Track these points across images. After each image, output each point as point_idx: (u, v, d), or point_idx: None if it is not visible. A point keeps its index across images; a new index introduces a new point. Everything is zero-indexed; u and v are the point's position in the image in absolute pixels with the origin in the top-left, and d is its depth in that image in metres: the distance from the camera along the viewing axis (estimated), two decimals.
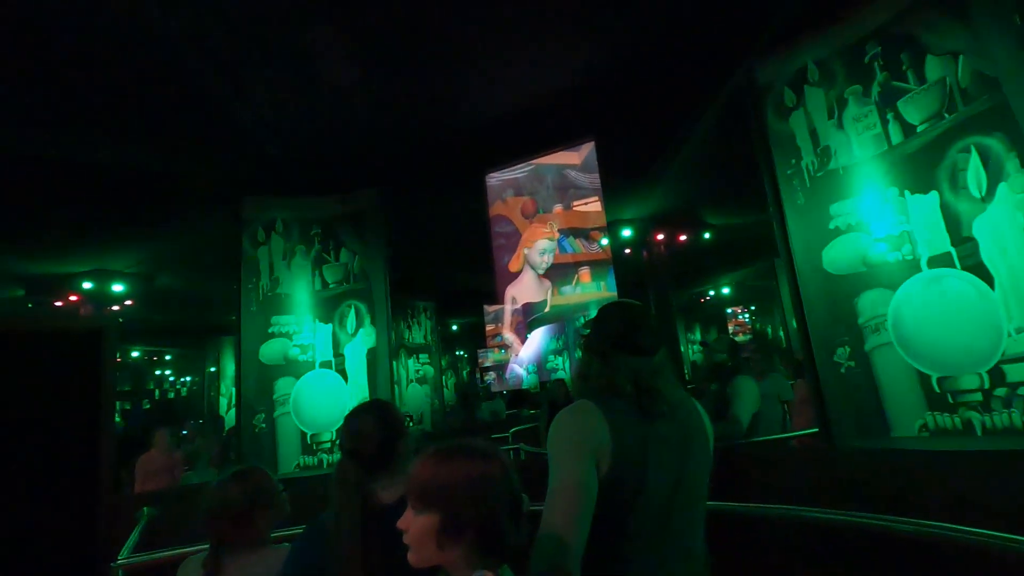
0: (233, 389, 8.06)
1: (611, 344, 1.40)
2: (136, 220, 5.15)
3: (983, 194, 2.22)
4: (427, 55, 3.17)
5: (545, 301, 3.93)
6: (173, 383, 14.78)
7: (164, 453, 5.00)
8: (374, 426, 1.43)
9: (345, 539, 1.29)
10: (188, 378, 14.57)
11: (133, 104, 3.34)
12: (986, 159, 2.21)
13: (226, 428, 7.51)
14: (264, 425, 3.96)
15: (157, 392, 13.88)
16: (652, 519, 1.24)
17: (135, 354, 12.61)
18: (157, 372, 14.67)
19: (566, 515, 1.14)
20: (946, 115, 2.35)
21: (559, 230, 3.99)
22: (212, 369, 10.46)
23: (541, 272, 3.97)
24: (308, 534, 1.44)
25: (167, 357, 14.02)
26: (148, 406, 12.65)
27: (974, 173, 2.24)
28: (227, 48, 2.92)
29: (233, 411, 8.21)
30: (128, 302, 6.79)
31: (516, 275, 4.08)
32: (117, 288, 6.59)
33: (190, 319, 9.66)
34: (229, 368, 9.46)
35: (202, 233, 5.33)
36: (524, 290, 4.01)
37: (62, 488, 2.86)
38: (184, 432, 6.70)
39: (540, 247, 3.96)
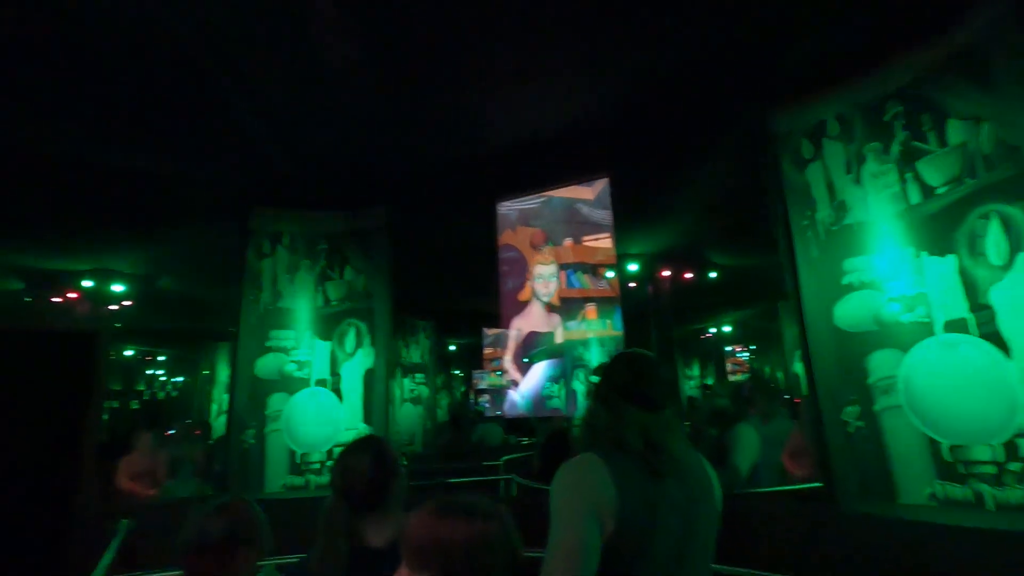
0: (224, 396, 7.97)
1: (620, 395, 1.37)
2: (142, 223, 5.13)
3: (1003, 262, 2.19)
4: (448, 79, 3.18)
5: (552, 334, 3.89)
6: (163, 383, 14.64)
7: (146, 456, 4.90)
8: (368, 465, 1.38)
9: None
10: (180, 379, 14.43)
11: (146, 108, 3.34)
12: (1007, 227, 2.18)
13: (214, 436, 7.40)
14: (254, 440, 3.87)
15: (147, 393, 13.72)
16: None
17: (128, 353, 12.50)
18: (148, 372, 14.54)
19: None
20: (967, 180, 2.34)
21: (568, 264, 3.97)
22: (205, 372, 10.35)
23: (546, 301, 3.93)
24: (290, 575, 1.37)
25: (160, 357, 13.91)
26: (136, 406, 12.50)
27: (994, 240, 2.22)
28: (243, 59, 2.93)
29: (222, 418, 8.11)
30: (127, 302, 6.74)
31: (523, 305, 4.04)
32: (117, 288, 6.55)
33: (188, 324, 9.60)
34: (222, 374, 9.36)
35: (207, 240, 5.30)
36: (530, 321, 3.97)
37: (37, 494, 2.77)
38: (171, 431, 6.56)
39: (537, 273, 3.94)
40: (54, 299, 6.58)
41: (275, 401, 3.97)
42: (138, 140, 3.73)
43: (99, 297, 6.54)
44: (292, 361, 4.05)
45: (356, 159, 4.11)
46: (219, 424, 8.56)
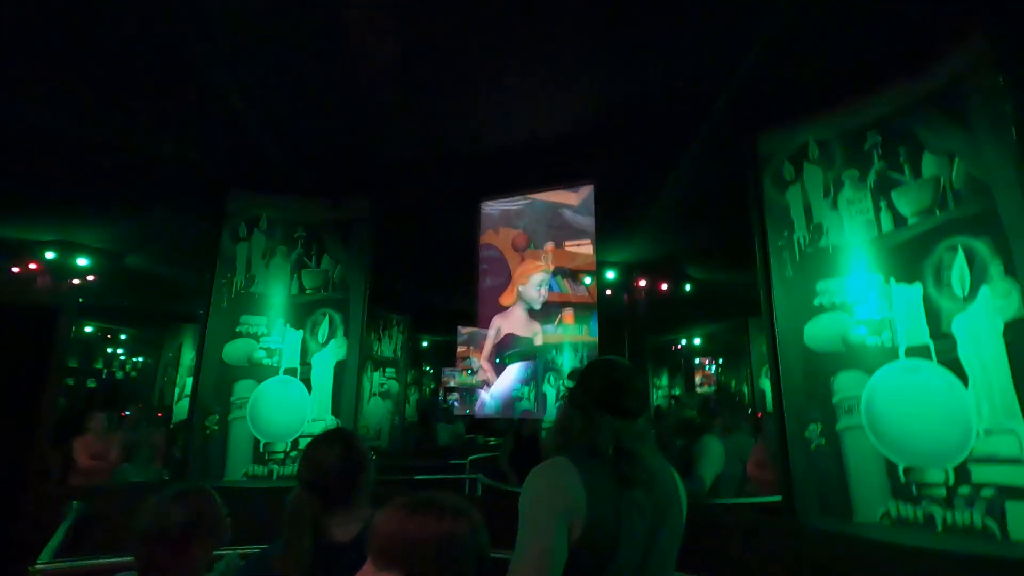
0: (188, 380, 7.76)
1: (595, 402, 1.38)
2: (112, 196, 4.95)
3: (965, 294, 2.28)
4: (440, 77, 3.17)
5: (531, 339, 3.89)
6: (123, 363, 14.18)
7: (99, 438, 4.76)
8: (337, 458, 1.36)
9: None
10: (140, 359, 14.00)
11: (123, 80, 3.23)
12: (971, 260, 2.27)
13: (174, 421, 7.20)
14: (217, 427, 3.78)
15: (105, 372, 13.27)
16: None
17: (88, 329, 12.07)
18: (109, 350, 14.06)
19: None
20: (937, 211, 2.43)
21: (549, 267, 3.98)
22: (169, 355, 10.07)
23: (537, 307, 3.93)
24: (251, 567, 1.34)
25: (122, 336, 13.46)
26: (93, 385, 12.08)
27: (958, 272, 2.30)
28: (230, 37, 2.86)
29: (184, 402, 7.90)
30: (90, 277, 6.50)
31: (503, 307, 4.04)
32: (81, 262, 6.31)
33: (154, 303, 9.31)
34: (187, 358, 9.10)
35: (181, 219, 5.15)
36: (512, 323, 3.96)
37: None
38: (127, 413, 6.36)
39: (536, 280, 3.94)
40: (13, 270, 6.31)
41: (241, 388, 3.87)
42: (113, 112, 3.60)
43: (62, 271, 6.30)
44: (262, 348, 3.96)
45: (341, 147, 4.05)
46: (180, 408, 8.33)
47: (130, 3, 2.61)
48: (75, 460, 4.61)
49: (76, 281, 6.41)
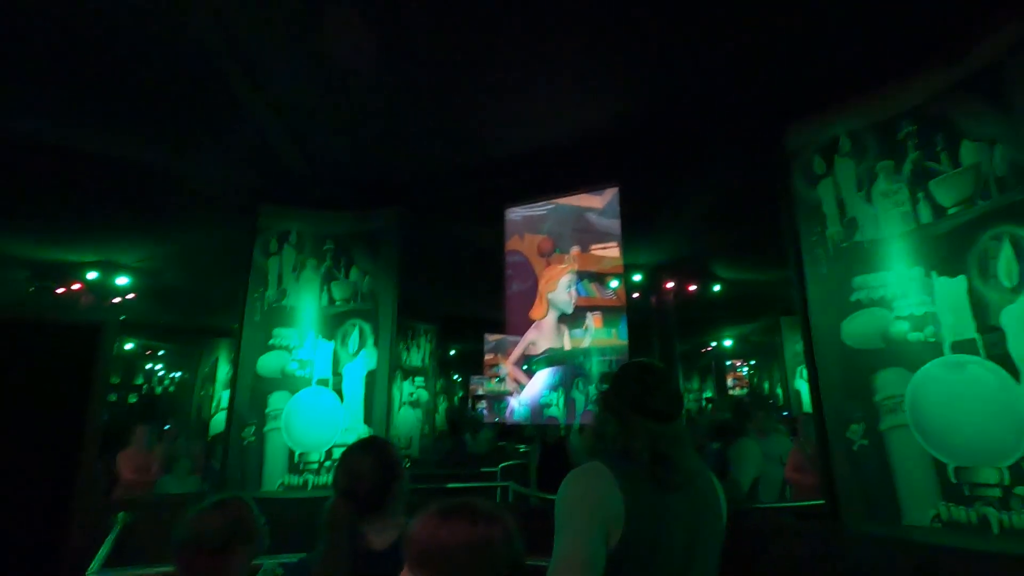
0: (224, 393, 7.94)
1: (629, 405, 1.36)
2: (148, 216, 5.14)
3: (1014, 284, 2.18)
4: (462, 86, 3.19)
5: (562, 348, 3.87)
6: (162, 378, 14.60)
7: (141, 451, 4.91)
8: (371, 466, 1.37)
9: None
10: (178, 374, 14.39)
11: (157, 102, 3.35)
12: (1019, 249, 2.17)
13: (211, 433, 7.38)
14: (253, 438, 3.85)
15: (146, 387, 13.69)
16: None
17: (129, 346, 12.48)
18: (148, 366, 14.51)
19: None
20: (979, 201, 2.33)
21: (576, 271, 3.95)
22: (206, 369, 10.33)
23: (569, 311, 3.90)
24: (291, 575, 1.36)
25: (160, 352, 13.88)
26: (135, 399, 12.46)
27: (1006, 262, 2.21)
28: (258, 57, 2.94)
29: (220, 415, 8.09)
30: (130, 296, 6.73)
31: (533, 322, 4.03)
32: (121, 281, 6.55)
33: (191, 319, 9.58)
34: (222, 371, 9.34)
35: (214, 236, 5.31)
36: (544, 335, 3.95)
37: (37, 487, 2.76)
38: (167, 427, 6.56)
39: (564, 283, 3.91)
40: (58, 290, 6.58)
41: (276, 399, 3.95)
42: (148, 133, 3.74)
43: (103, 290, 6.54)
44: (294, 360, 4.03)
45: (366, 160, 4.11)
46: (217, 421, 8.53)
47: (161, 28, 2.70)
48: (119, 473, 4.77)
49: (117, 299, 6.65)
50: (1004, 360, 2.19)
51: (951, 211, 2.43)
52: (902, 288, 2.55)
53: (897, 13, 2.55)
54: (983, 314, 2.27)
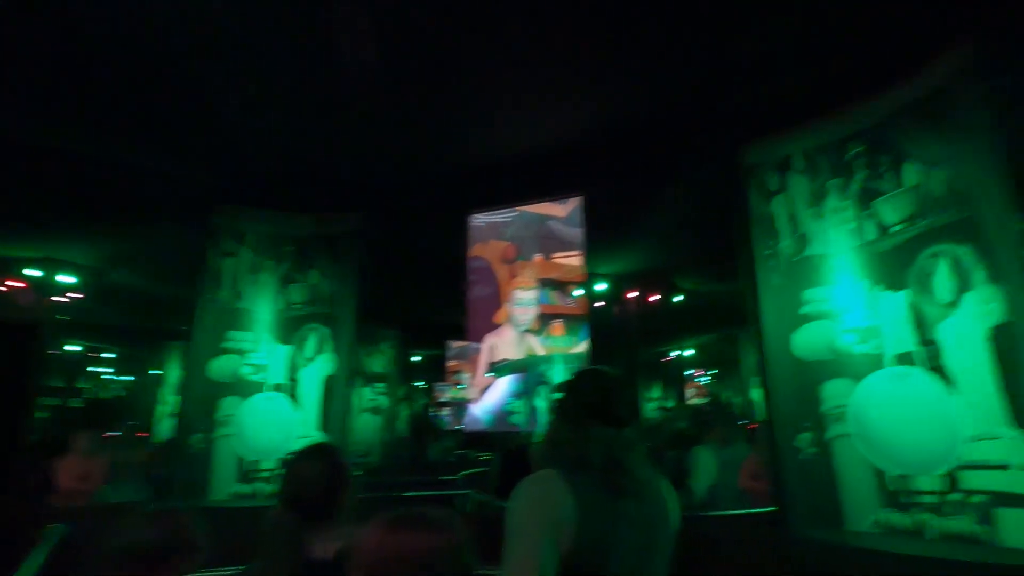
0: (173, 398, 7.63)
1: (585, 411, 1.36)
2: (97, 212, 4.91)
3: (949, 300, 2.29)
4: (428, 88, 3.18)
5: (523, 356, 3.87)
6: (109, 382, 13.93)
7: (83, 459, 4.66)
8: (319, 474, 1.33)
9: None
10: (128, 378, 13.76)
11: (112, 95, 3.22)
12: (955, 267, 2.29)
13: (159, 440, 7.09)
14: (202, 445, 3.71)
15: (91, 391, 13.02)
16: None
17: (73, 348, 11.86)
18: (95, 369, 13.81)
19: None
20: (919, 220, 2.45)
21: (538, 279, 3.97)
22: (154, 373, 9.91)
23: (521, 329, 3.90)
24: None
25: (107, 355, 13.24)
26: (78, 404, 11.83)
27: (942, 279, 2.32)
28: (215, 47, 2.86)
29: (169, 421, 7.76)
30: (75, 295, 6.41)
31: (496, 324, 4.02)
32: (65, 279, 6.22)
33: (140, 320, 9.19)
34: (173, 375, 8.97)
35: (167, 235, 5.11)
36: (504, 344, 3.94)
37: None
38: (117, 433, 6.26)
39: (514, 298, 3.93)
40: None
41: (227, 405, 3.81)
42: (97, 126, 3.58)
43: (46, 288, 6.20)
44: (248, 364, 3.91)
45: (329, 162, 4.04)
46: (165, 427, 8.19)
47: (115, 16, 2.60)
48: (57, 482, 4.50)
49: (60, 298, 6.32)
50: (940, 372, 2.30)
51: (894, 229, 2.55)
52: (849, 302, 2.66)
53: (850, 40, 2.68)
54: (922, 328, 2.38)
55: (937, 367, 2.31)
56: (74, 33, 2.72)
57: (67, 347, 11.62)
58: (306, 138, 3.71)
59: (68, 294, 6.41)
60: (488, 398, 3.89)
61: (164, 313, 7.97)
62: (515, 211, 4.15)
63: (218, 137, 3.61)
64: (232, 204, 4.18)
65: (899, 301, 2.47)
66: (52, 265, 6.14)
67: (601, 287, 6.78)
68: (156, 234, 5.23)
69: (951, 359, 2.27)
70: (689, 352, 13.99)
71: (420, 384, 14.71)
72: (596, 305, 6.94)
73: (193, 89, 3.14)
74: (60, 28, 2.68)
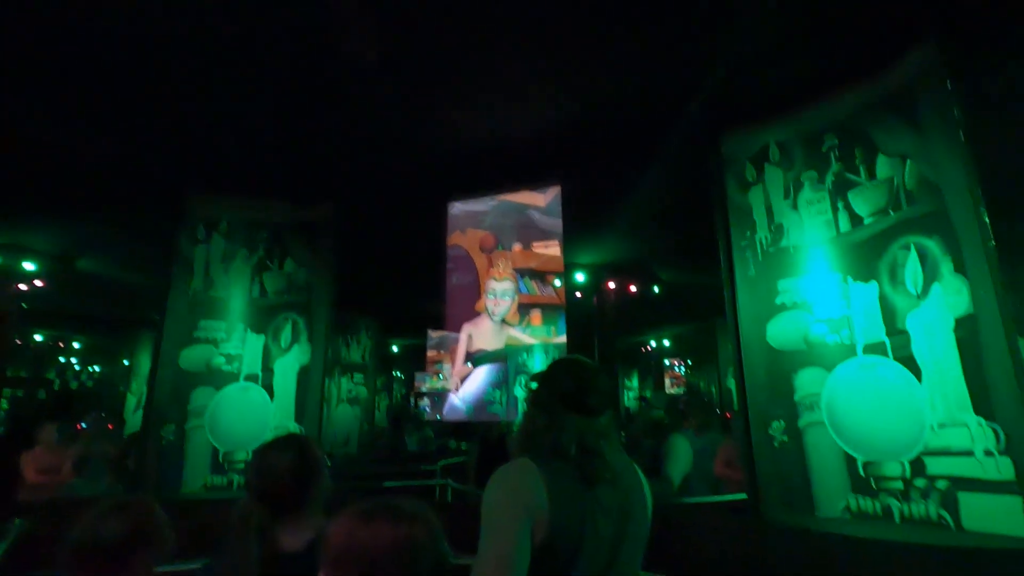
0: (144, 389, 7.45)
1: (559, 401, 1.37)
2: (63, 198, 4.74)
3: (918, 291, 2.34)
4: (406, 74, 3.12)
5: (500, 345, 3.86)
6: (78, 373, 13.59)
7: (50, 452, 4.53)
8: (289, 465, 1.30)
9: None
10: (96, 368, 13.43)
11: (76, 77, 3.09)
12: (924, 258, 2.34)
13: (129, 431, 6.94)
14: (173, 437, 3.63)
15: (57, 382, 12.68)
16: None
17: (38, 338, 11.51)
18: (62, 359, 13.44)
19: None
20: (891, 212, 2.50)
21: (515, 269, 3.96)
22: (124, 362, 9.67)
23: (496, 320, 3.89)
24: None
25: (75, 344, 12.88)
26: (43, 396, 11.52)
27: (912, 270, 2.37)
28: (183, 26, 2.76)
29: (140, 413, 7.58)
30: (39, 283, 6.19)
31: (475, 313, 4.00)
32: (28, 267, 6.01)
33: (109, 309, 8.94)
34: (143, 365, 8.76)
35: (136, 222, 4.96)
36: (481, 334, 3.92)
37: None
38: (84, 425, 6.09)
39: (490, 288, 3.90)
40: None
41: (199, 395, 3.73)
42: (62, 108, 3.44)
43: (7, 275, 5.98)
44: (221, 354, 3.82)
45: (304, 148, 3.95)
46: (136, 419, 8.00)
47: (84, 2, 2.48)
48: (23, 475, 4.38)
49: (23, 286, 6.10)
50: (909, 362, 2.35)
51: (867, 221, 2.59)
52: (822, 292, 2.70)
53: (825, 33, 2.69)
54: (891, 318, 2.43)
55: (906, 357, 2.36)
56: (36, 13, 2.60)
57: (34, 336, 11.28)
58: (281, 122, 3.61)
59: (33, 281, 6.19)
60: (467, 388, 3.88)
61: (134, 302, 7.77)
62: (494, 200, 4.12)
63: (188, 120, 3.49)
64: (204, 190, 4.07)
65: (870, 292, 2.52)
66: (16, 252, 5.93)
67: (580, 277, 6.80)
68: (124, 220, 5.07)
69: (919, 349, 2.32)
70: (667, 342, 14.18)
71: (400, 375, 14.66)
72: (576, 295, 6.96)
73: (162, 71, 3.02)
74: (19, 8, 2.56)
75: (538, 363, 3.78)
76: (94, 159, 3.98)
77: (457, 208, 4.24)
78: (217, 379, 3.79)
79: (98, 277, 6.86)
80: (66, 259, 6.20)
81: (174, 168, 4.06)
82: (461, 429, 8.39)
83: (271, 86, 3.22)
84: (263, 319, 3.96)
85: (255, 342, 3.90)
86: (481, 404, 3.85)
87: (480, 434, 5.16)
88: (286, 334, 3.95)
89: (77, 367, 13.58)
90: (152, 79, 3.08)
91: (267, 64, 3.01)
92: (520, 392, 3.78)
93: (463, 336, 3.98)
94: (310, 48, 2.86)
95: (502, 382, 3.83)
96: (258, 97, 3.33)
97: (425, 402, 10.91)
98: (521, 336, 3.83)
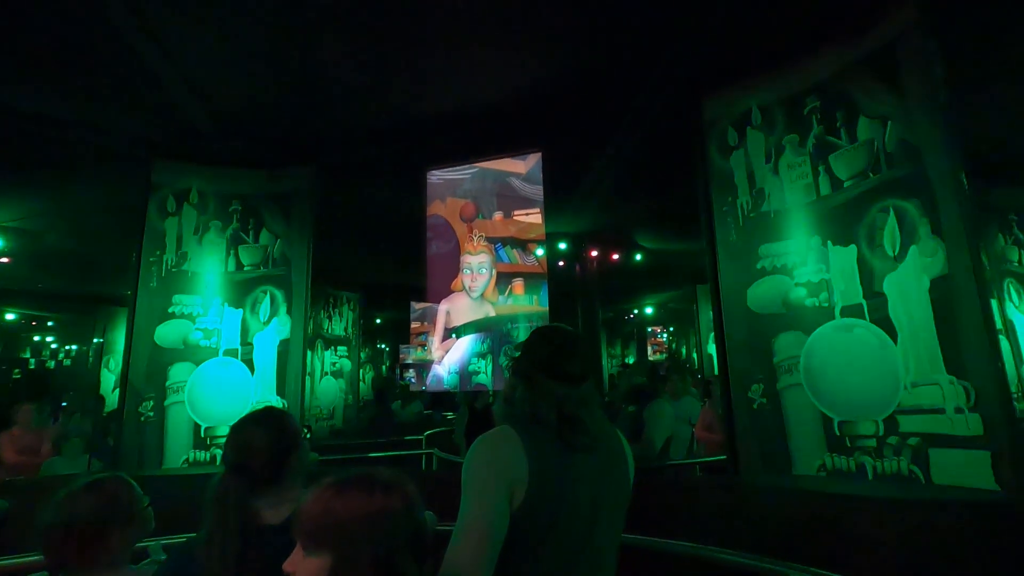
0: (120, 367, 7.32)
1: (539, 369, 1.35)
2: (26, 169, 4.53)
3: (896, 253, 2.36)
4: (380, 37, 3.00)
5: (483, 316, 3.84)
6: (55, 352, 13.31)
7: (28, 431, 4.46)
8: (266, 440, 1.28)
9: (217, 566, 1.14)
10: (73, 347, 13.16)
11: (36, 40, 2.92)
12: (902, 221, 2.35)
13: (107, 410, 6.85)
14: (152, 414, 3.58)
15: (33, 361, 12.42)
16: (564, 552, 1.21)
17: (10, 317, 11.21)
18: (36, 338, 13.14)
19: (473, 558, 1.08)
20: (871, 175, 2.49)
21: (497, 237, 3.91)
22: (99, 340, 9.49)
23: (474, 297, 3.86)
24: (175, 560, 1.26)
25: (49, 323, 12.58)
26: (18, 375, 11.29)
27: (890, 233, 2.38)
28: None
29: (117, 391, 7.48)
30: (4, 259, 5.98)
31: (451, 287, 3.96)
32: None
33: (79, 285, 8.71)
34: (119, 343, 8.62)
35: (104, 193, 4.78)
36: (458, 310, 3.89)
37: None
38: (64, 404, 6.01)
39: (465, 263, 3.86)
40: None
41: (177, 371, 3.67)
42: (23, 75, 3.25)
43: None
44: (198, 329, 3.75)
45: (278, 115, 3.81)
46: (115, 396, 7.90)
47: None
48: (1, 456, 4.32)
49: None
50: (885, 323, 2.39)
51: (847, 184, 2.59)
52: (802, 256, 2.71)
53: None
54: (869, 281, 2.46)
55: (882, 318, 2.39)
56: None
57: (5, 316, 11.00)
58: (253, 87, 3.47)
59: None
60: (451, 358, 3.87)
61: (104, 277, 7.58)
62: (474, 167, 4.04)
63: (154, 85, 3.33)
64: (172, 158, 3.92)
65: (848, 255, 2.53)
66: None
67: (562, 246, 6.78)
68: (91, 191, 4.88)
69: (895, 310, 2.35)
70: (649, 310, 14.33)
71: (385, 347, 14.64)
72: (558, 264, 6.95)
73: (125, 32, 2.86)
74: None
75: (522, 332, 3.79)
76: (56, 125, 3.79)
77: (436, 176, 4.16)
78: (195, 355, 3.73)
79: (66, 253, 6.66)
80: (33, 234, 5.99)
81: (139, 135, 3.90)
82: (447, 399, 8.45)
83: (241, 47, 3.07)
84: (240, 293, 3.88)
85: (233, 316, 3.83)
86: (467, 374, 3.86)
87: (467, 404, 5.20)
88: (264, 307, 3.88)
89: (54, 346, 13.31)
90: (112, 38, 2.91)
91: (236, 25, 2.87)
92: (505, 362, 3.79)
93: (441, 312, 3.95)
94: (280, 7, 2.72)
95: (487, 352, 3.83)
96: (228, 59, 3.18)
97: (411, 373, 10.94)
98: (503, 307, 3.81)
